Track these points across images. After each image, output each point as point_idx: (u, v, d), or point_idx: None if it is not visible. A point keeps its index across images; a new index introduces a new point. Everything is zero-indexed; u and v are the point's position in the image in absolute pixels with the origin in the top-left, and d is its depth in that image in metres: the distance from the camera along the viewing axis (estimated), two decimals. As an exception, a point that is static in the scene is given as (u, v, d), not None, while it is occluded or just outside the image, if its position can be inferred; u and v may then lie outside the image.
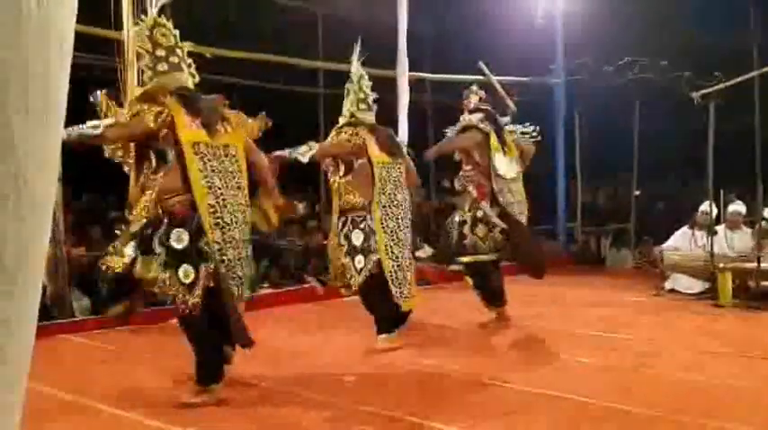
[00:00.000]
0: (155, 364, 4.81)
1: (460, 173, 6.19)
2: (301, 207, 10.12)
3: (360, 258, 5.07)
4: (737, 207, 7.88)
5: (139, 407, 3.89)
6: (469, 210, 6.00)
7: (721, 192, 7.62)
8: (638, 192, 10.73)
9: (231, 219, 3.88)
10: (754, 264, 6.80)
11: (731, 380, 4.28)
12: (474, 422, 3.59)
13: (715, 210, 7.65)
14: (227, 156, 3.96)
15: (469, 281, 6.07)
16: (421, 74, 9.13)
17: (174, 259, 3.75)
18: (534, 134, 6.56)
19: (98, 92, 4.03)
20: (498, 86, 8.76)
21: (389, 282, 5.02)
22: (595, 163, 10.86)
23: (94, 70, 7.92)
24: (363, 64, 5.60)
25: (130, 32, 6.13)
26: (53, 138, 1.17)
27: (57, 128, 1.17)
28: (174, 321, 6.22)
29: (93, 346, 5.45)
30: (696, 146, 7.68)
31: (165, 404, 3.92)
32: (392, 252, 5.09)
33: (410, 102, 8.42)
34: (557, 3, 9.68)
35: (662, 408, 3.72)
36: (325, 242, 9.16)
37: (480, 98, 6.35)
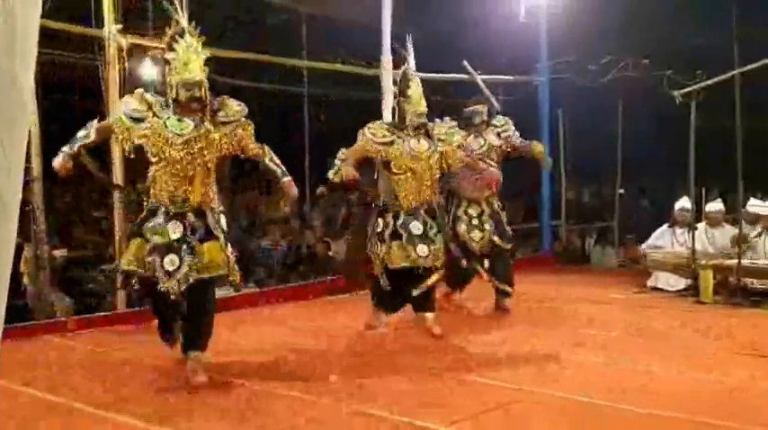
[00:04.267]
0: (139, 365, 4.79)
1: None
2: (287, 210, 10.12)
3: None
4: (717, 205, 7.96)
5: (123, 407, 3.86)
6: None
7: (703, 190, 7.68)
8: (622, 191, 10.80)
9: None
10: (735, 261, 6.86)
11: (714, 376, 4.31)
12: (460, 418, 3.60)
13: (689, 205, 7.71)
14: None
15: None
16: (405, 72, 9.10)
17: None
18: None
19: None
20: (483, 85, 8.80)
21: None
22: (580, 161, 10.90)
23: (76, 69, 7.88)
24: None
25: (112, 30, 6.11)
26: (19, 139, 1.15)
27: (23, 127, 1.16)
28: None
29: (75, 347, 5.42)
30: (680, 144, 7.72)
31: (150, 405, 3.91)
32: None
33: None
34: (540, 2, 9.70)
35: (646, 405, 3.74)
36: (315, 242, 9.23)
37: None
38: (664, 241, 8.08)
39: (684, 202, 7.92)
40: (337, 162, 5.59)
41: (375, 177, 5.72)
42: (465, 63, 8.67)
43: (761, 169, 8.54)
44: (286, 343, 5.40)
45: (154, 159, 4.25)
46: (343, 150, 5.61)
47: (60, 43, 7.09)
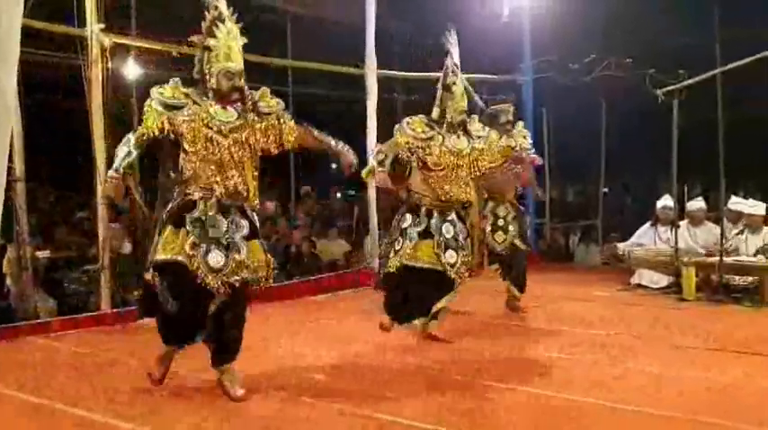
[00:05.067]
0: (125, 366, 4.76)
1: None
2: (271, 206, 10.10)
3: None
4: (699, 203, 8.04)
5: (108, 409, 3.83)
6: None
7: (685, 187, 7.75)
8: (606, 189, 10.87)
9: None
10: (717, 258, 6.93)
11: (698, 372, 4.36)
12: (443, 417, 3.61)
13: (671, 203, 7.78)
14: None
15: None
16: (390, 72, 9.14)
17: None
18: None
19: None
20: (467, 84, 8.81)
21: None
22: (564, 160, 10.96)
23: (59, 68, 7.83)
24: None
25: (94, 29, 6.07)
26: (1, 140, 1.15)
27: (5, 129, 1.15)
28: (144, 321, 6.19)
29: (59, 348, 5.38)
30: (663, 142, 7.79)
31: (135, 405, 3.89)
32: None
33: (379, 100, 8.44)
34: (524, 2, 9.75)
35: (633, 402, 3.77)
36: (301, 240, 9.20)
37: None
38: (647, 239, 8.14)
39: (667, 200, 7.99)
40: (372, 161, 5.35)
41: (407, 174, 5.34)
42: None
43: (744, 166, 8.65)
44: (265, 342, 5.37)
45: (195, 148, 3.89)
46: (380, 147, 5.34)
47: (42, 42, 7.04)
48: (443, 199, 5.16)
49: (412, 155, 5.15)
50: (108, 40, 6.17)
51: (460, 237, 5.17)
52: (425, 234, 5.10)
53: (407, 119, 5.24)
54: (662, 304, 6.94)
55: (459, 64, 5.35)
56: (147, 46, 7.28)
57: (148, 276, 3.95)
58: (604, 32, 9.35)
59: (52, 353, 5.26)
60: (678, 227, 7.52)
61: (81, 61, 6.14)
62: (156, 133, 3.87)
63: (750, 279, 6.95)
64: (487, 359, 4.86)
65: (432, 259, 5.07)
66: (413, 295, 5.12)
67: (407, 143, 5.14)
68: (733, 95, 7.24)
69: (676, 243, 7.35)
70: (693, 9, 7.98)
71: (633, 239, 8.30)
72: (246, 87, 4.00)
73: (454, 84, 5.23)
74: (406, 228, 5.15)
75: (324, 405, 3.85)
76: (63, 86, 8.62)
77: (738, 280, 7.04)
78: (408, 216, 5.20)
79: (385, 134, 8.81)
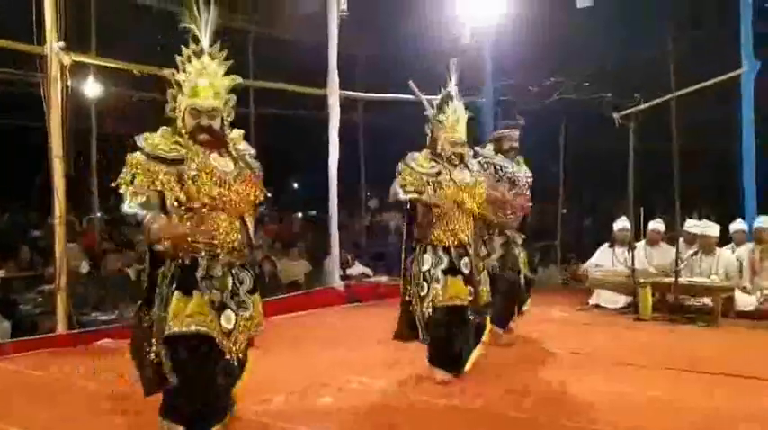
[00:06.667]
0: (83, 388, 4.67)
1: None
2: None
3: None
4: (657, 225, 8.22)
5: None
6: None
7: (641, 209, 7.91)
8: (564, 210, 11.04)
9: None
10: (673, 279, 7.08)
11: (654, 392, 4.43)
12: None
13: (628, 225, 7.94)
14: None
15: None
16: (352, 93, 9.19)
17: None
18: None
19: None
20: (428, 106, 8.89)
21: None
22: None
23: (16, 85, 7.72)
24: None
25: (54, 48, 6.00)
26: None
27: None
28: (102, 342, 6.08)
29: (15, 371, 5.26)
30: (621, 164, 7.95)
31: (96, 428, 3.81)
32: None
33: (341, 121, 8.48)
34: (486, 27, 9.90)
35: (590, 420, 3.82)
36: (262, 260, 9.13)
37: None
38: (604, 260, 8.27)
39: (623, 222, 8.13)
40: (405, 196, 4.79)
41: (408, 208, 4.96)
42: (411, 84, 8.77)
43: (702, 188, 8.86)
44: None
45: (198, 203, 3.47)
46: (396, 187, 4.82)
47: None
48: (456, 236, 4.84)
49: (423, 191, 4.79)
50: (68, 58, 6.10)
51: (475, 272, 4.88)
52: (452, 271, 4.79)
53: (410, 156, 4.91)
54: (619, 323, 7.04)
55: (455, 93, 5.08)
56: (107, 64, 7.23)
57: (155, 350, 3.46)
58: (565, 57, 9.54)
59: (8, 376, 5.13)
60: (635, 248, 7.66)
61: (40, 79, 6.06)
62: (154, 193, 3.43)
63: (704, 299, 7.10)
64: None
65: (466, 294, 4.79)
66: (454, 340, 4.81)
67: (419, 180, 4.81)
68: (690, 119, 7.43)
69: (633, 264, 7.48)
70: (650, 34, 8.20)
71: (592, 260, 8.44)
72: (222, 130, 3.63)
73: (443, 112, 4.93)
74: (427, 271, 4.79)
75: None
76: (19, 104, 8.51)
77: (693, 300, 7.20)
78: (427, 257, 4.82)
79: (348, 154, 8.88)
